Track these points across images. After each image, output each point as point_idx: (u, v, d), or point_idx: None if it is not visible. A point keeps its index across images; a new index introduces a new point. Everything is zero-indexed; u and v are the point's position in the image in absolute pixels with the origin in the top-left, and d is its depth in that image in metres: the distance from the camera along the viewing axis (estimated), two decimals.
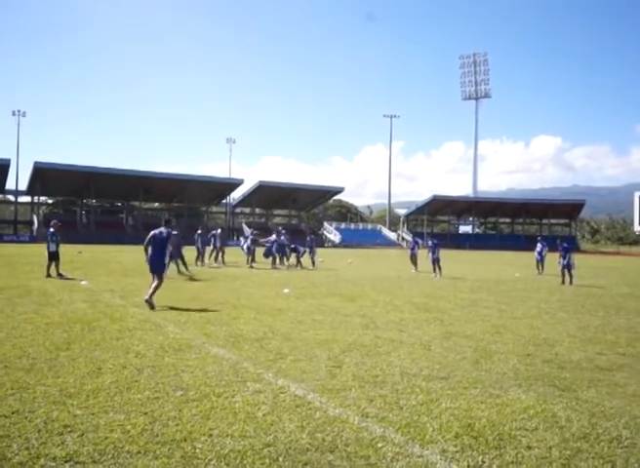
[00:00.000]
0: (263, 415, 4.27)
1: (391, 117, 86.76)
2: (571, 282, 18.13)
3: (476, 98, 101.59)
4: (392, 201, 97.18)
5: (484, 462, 3.51)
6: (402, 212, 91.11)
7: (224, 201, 74.69)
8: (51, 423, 3.96)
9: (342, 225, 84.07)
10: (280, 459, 3.47)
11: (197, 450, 3.56)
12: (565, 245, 19.17)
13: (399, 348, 6.96)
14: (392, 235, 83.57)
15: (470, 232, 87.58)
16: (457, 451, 3.67)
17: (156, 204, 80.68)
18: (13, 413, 4.13)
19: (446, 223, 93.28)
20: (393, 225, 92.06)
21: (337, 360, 6.17)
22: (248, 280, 16.72)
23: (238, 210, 78.76)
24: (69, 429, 3.85)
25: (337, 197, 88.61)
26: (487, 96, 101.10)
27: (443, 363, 6.22)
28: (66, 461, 3.35)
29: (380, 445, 3.75)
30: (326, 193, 78.52)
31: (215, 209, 78.77)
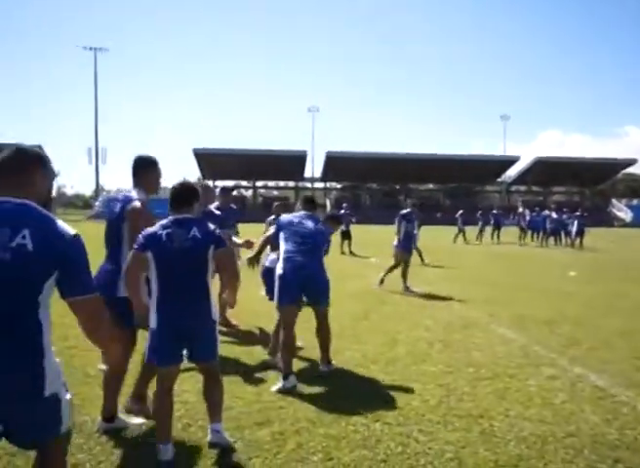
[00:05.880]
0: (561, 403, 4.09)
1: None
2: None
3: None
4: None
5: None
6: None
7: (499, 179, 72.13)
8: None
9: (634, 202, 73.20)
10: (585, 452, 3.28)
11: (495, 428, 3.60)
12: None
13: None
14: None
15: None
16: None
17: (430, 185, 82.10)
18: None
19: None
20: None
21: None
22: (528, 260, 15.96)
23: (513, 188, 75.19)
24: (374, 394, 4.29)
25: (627, 170, 77.42)
26: None
27: None
28: (376, 421, 3.70)
29: None
30: (615, 166, 69.41)
31: (488, 187, 76.59)
